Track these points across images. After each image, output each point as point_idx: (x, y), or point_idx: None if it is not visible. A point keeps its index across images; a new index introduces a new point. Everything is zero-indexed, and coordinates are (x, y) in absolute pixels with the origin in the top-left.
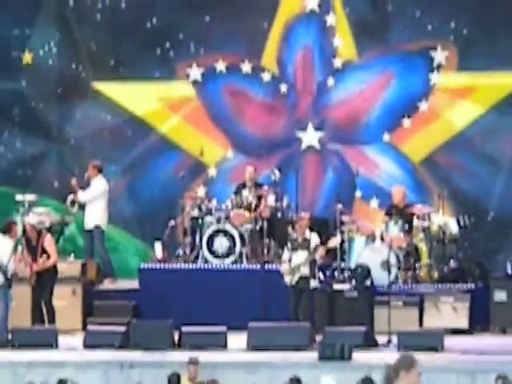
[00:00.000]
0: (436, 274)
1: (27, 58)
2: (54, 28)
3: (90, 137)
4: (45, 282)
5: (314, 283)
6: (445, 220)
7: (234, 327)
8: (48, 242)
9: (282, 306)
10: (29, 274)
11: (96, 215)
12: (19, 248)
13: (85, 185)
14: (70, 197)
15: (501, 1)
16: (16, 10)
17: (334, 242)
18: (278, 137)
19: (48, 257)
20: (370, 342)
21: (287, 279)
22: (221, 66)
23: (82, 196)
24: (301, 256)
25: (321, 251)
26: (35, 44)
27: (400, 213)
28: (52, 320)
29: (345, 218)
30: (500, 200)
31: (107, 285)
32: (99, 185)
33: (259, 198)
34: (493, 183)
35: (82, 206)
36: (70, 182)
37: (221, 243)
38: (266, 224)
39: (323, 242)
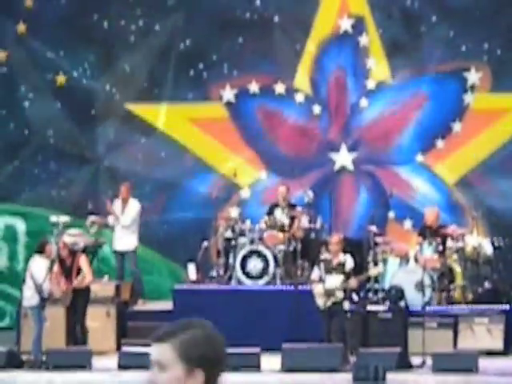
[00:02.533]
0: (470, 295)
1: (61, 80)
2: (88, 50)
3: (124, 158)
4: (78, 302)
5: (347, 305)
6: (479, 241)
7: (267, 348)
8: (83, 261)
9: (315, 327)
10: (63, 295)
11: (131, 237)
12: (54, 268)
13: (121, 206)
14: (91, 218)
15: None
16: (50, 32)
17: (376, 270)
18: (311, 158)
19: (84, 276)
20: (404, 364)
21: (320, 302)
22: (254, 87)
23: (124, 221)
24: (336, 279)
25: (361, 278)
26: (69, 66)
27: (434, 234)
28: (85, 341)
29: (378, 239)
30: None
31: (140, 306)
32: (135, 206)
33: (292, 218)
34: None
35: (108, 227)
36: (104, 204)
37: (254, 264)
38: (299, 245)
39: (359, 268)
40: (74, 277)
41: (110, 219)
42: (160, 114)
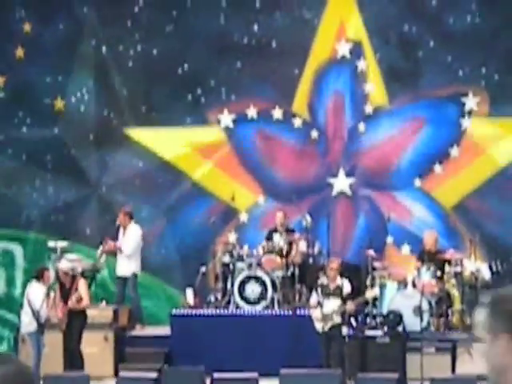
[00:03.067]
0: (469, 320)
1: (59, 104)
2: (86, 75)
3: (122, 183)
4: (74, 326)
5: (345, 330)
6: (477, 266)
7: (265, 373)
8: (82, 285)
9: (313, 352)
10: (60, 318)
11: (133, 262)
12: (51, 294)
13: (117, 232)
14: (100, 250)
15: None
16: (48, 57)
17: (372, 293)
18: (309, 182)
19: (80, 297)
20: None
21: (318, 326)
22: (252, 112)
23: (126, 250)
24: (333, 304)
25: (358, 301)
26: (67, 91)
27: (432, 258)
28: (81, 366)
29: (376, 264)
30: None
31: (138, 331)
32: (136, 232)
33: (290, 243)
34: None
35: (114, 253)
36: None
37: (252, 289)
38: (297, 270)
39: (356, 292)
40: (71, 299)
41: (118, 244)
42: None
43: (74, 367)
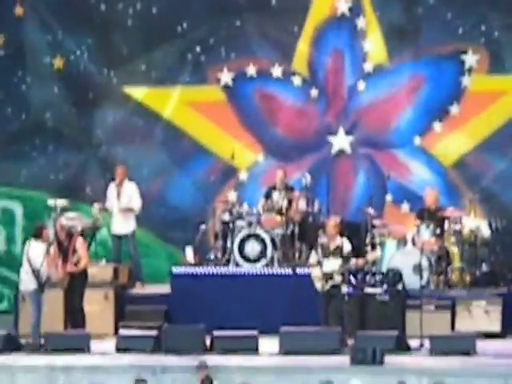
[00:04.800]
0: (468, 278)
1: (58, 63)
2: (85, 33)
3: (122, 141)
4: (76, 285)
5: (345, 288)
6: (476, 223)
7: (265, 331)
8: (79, 244)
9: (313, 311)
10: (61, 277)
11: (132, 220)
12: (51, 251)
13: (116, 189)
14: (96, 205)
15: None
16: (47, 15)
17: (374, 255)
18: (308, 141)
19: (79, 258)
20: (401, 346)
21: (318, 285)
22: (251, 70)
23: (136, 206)
24: (333, 263)
25: (359, 263)
26: (66, 49)
27: (431, 216)
28: (82, 324)
29: (376, 222)
30: None
31: (138, 289)
32: (136, 188)
33: (290, 201)
34: None
35: (107, 211)
36: (102, 188)
37: (252, 247)
38: (297, 228)
39: (358, 252)
40: (70, 258)
41: (108, 203)
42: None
43: (76, 326)
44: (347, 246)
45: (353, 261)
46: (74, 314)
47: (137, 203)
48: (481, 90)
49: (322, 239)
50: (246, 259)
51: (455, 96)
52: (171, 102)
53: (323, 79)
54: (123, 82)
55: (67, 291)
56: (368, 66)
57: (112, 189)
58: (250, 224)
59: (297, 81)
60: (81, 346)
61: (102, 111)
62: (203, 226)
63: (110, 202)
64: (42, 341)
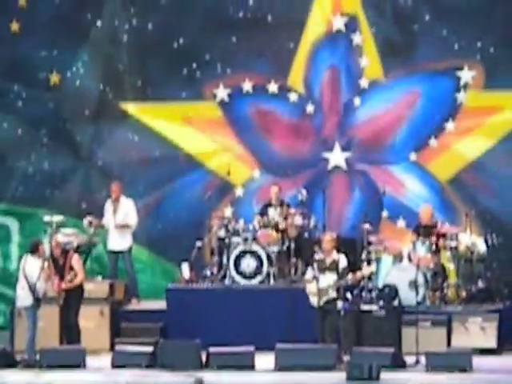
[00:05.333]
0: (464, 294)
1: (55, 79)
2: (81, 49)
3: (118, 157)
4: (71, 301)
5: (340, 304)
6: (472, 239)
7: (261, 347)
8: (75, 260)
9: (309, 326)
10: (57, 294)
11: (128, 236)
12: (46, 267)
13: (112, 206)
14: (88, 218)
15: None
16: (43, 31)
17: (369, 270)
18: (304, 157)
19: (75, 275)
20: (397, 363)
21: (313, 300)
22: (247, 86)
23: (132, 223)
24: (329, 278)
25: (354, 278)
26: (63, 65)
27: (427, 232)
28: (78, 340)
29: (372, 238)
30: None
31: (134, 305)
32: (132, 205)
33: (286, 217)
34: None
35: (103, 228)
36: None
37: (248, 263)
38: (292, 244)
39: (354, 268)
40: (66, 275)
41: (105, 219)
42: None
43: (71, 341)
44: (343, 262)
45: (349, 276)
46: (70, 330)
47: (133, 220)
48: (476, 106)
49: (318, 255)
50: (242, 275)
51: (451, 112)
52: (167, 118)
53: (319, 95)
54: (119, 98)
55: (63, 307)
56: (364, 82)
57: (108, 205)
58: (245, 240)
59: (293, 97)
60: (76, 362)
61: (98, 127)
62: (199, 243)
63: (106, 218)
64: (38, 357)
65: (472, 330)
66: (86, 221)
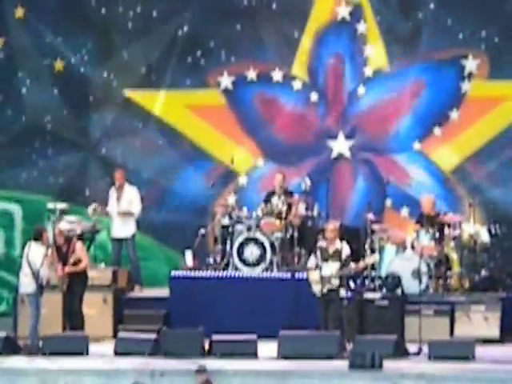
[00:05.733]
0: (467, 283)
1: (59, 65)
2: (85, 36)
3: (122, 145)
4: (75, 288)
5: (343, 293)
6: (476, 229)
7: (264, 335)
8: (79, 247)
9: (312, 315)
10: (60, 281)
11: (132, 224)
12: (49, 254)
13: (116, 193)
14: (93, 205)
15: None
16: (48, 17)
17: (372, 259)
18: (308, 145)
19: (79, 260)
20: (400, 351)
21: (316, 289)
22: (252, 74)
23: (136, 210)
24: (332, 267)
25: (357, 267)
26: (67, 52)
27: (431, 222)
28: (81, 327)
29: (375, 227)
30: None
31: (137, 293)
32: (136, 192)
33: (289, 206)
34: None
35: (108, 215)
36: (102, 191)
37: (251, 251)
38: (296, 232)
39: (357, 256)
40: (69, 262)
41: (109, 207)
42: (158, 101)
43: (75, 328)
44: (346, 250)
45: (352, 265)
46: (73, 316)
47: (136, 207)
48: (481, 96)
49: (321, 243)
50: (245, 263)
51: (455, 101)
52: (171, 106)
53: (323, 83)
54: (123, 85)
55: (66, 293)
56: (368, 71)
57: (112, 192)
58: (249, 228)
59: (297, 85)
60: (79, 349)
61: (102, 114)
62: (202, 230)
63: (110, 205)
64: (41, 343)
65: (475, 320)
66: (90, 208)
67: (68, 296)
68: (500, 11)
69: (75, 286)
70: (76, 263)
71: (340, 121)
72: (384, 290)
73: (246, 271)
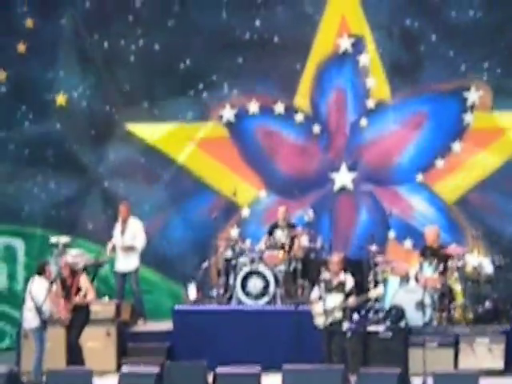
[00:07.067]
0: (471, 315)
1: (61, 100)
2: (87, 70)
3: (124, 178)
4: (76, 321)
5: (347, 325)
6: (479, 260)
7: (268, 368)
8: (83, 280)
9: (316, 347)
10: (63, 315)
11: (135, 257)
12: (53, 289)
13: (121, 227)
14: (110, 244)
15: None
16: (50, 52)
17: (376, 292)
18: (311, 177)
19: (84, 295)
20: None
21: (319, 321)
22: (254, 106)
23: (139, 245)
24: (335, 299)
25: (361, 299)
26: (69, 86)
27: (434, 253)
28: (81, 360)
29: (379, 259)
30: None
31: (141, 326)
32: (140, 225)
33: (292, 238)
34: None
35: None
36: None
37: (254, 284)
38: (299, 265)
39: (361, 289)
40: (73, 296)
41: (114, 240)
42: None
43: (73, 361)
44: (350, 282)
45: (351, 300)
46: (70, 350)
47: (140, 241)
48: (483, 127)
49: (325, 275)
50: (249, 296)
51: (458, 133)
52: (173, 139)
53: (325, 116)
54: (125, 119)
55: (69, 327)
56: (370, 103)
57: (117, 226)
58: (252, 261)
59: (299, 117)
60: (83, 383)
61: (104, 148)
62: (205, 263)
63: (115, 239)
64: (44, 378)
65: (479, 351)
66: (110, 245)
67: (70, 329)
68: (502, 42)
69: (77, 318)
70: (84, 296)
71: (342, 153)
72: (388, 322)
73: (249, 304)
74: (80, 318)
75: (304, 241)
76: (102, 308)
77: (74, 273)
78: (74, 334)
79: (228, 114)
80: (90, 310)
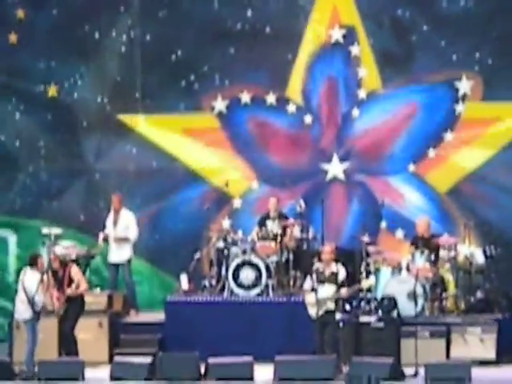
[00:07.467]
0: (463, 305)
1: (52, 90)
2: (79, 61)
3: (115, 169)
4: (69, 312)
5: (339, 315)
6: (471, 250)
7: (260, 359)
8: (75, 271)
9: (308, 338)
10: (56, 306)
11: (127, 249)
12: (45, 280)
13: (113, 218)
14: (102, 235)
15: None
16: (41, 42)
17: (368, 283)
18: (302, 168)
19: (77, 286)
20: (396, 374)
21: (312, 311)
22: (245, 97)
23: (132, 236)
24: (328, 290)
25: (353, 290)
26: (60, 77)
27: (426, 244)
28: (74, 352)
29: (371, 249)
30: None
31: (133, 317)
32: (133, 217)
33: (284, 229)
34: None
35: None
36: (96, 215)
37: (247, 275)
38: (291, 256)
39: (352, 279)
40: (65, 287)
41: (106, 231)
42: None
43: (68, 352)
44: (342, 273)
45: (343, 290)
46: (64, 341)
47: (133, 233)
48: (475, 117)
49: (317, 265)
50: (241, 286)
51: (449, 123)
52: (165, 130)
53: (317, 106)
54: (117, 110)
55: (62, 318)
56: (362, 93)
57: (110, 217)
58: (244, 251)
59: (291, 108)
60: (75, 374)
61: (96, 139)
62: (198, 254)
63: (108, 230)
64: (37, 369)
65: (471, 341)
66: (101, 235)
67: (62, 320)
68: (493, 32)
69: (71, 309)
70: (77, 287)
71: (334, 143)
72: (380, 312)
73: (241, 294)
74: (74, 309)
75: (296, 231)
76: (94, 299)
77: (64, 264)
78: (68, 325)
79: (220, 104)
80: (84, 301)
